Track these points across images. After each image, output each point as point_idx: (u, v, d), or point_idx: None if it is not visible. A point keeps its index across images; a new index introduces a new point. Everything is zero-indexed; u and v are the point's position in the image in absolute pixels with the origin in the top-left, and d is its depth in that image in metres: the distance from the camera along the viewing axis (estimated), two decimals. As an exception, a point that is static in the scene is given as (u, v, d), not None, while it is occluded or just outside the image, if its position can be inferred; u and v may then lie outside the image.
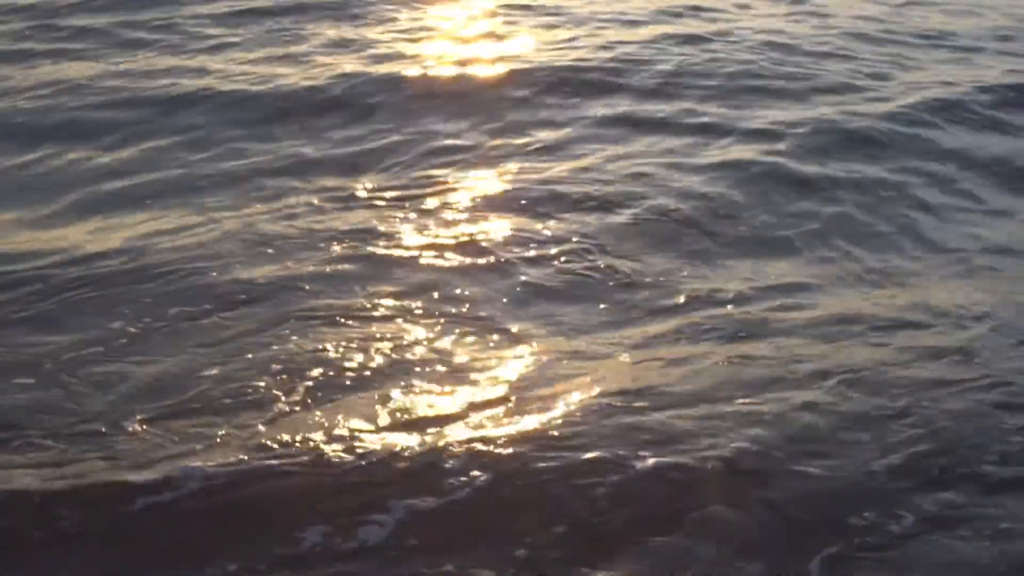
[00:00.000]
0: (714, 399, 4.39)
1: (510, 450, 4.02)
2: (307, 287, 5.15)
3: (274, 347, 4.63)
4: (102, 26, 9.71)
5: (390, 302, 5.04)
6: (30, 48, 9.16)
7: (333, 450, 3.99)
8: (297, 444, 4.02)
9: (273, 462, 3.92)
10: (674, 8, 10.89)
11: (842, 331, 4.92)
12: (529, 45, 9.48)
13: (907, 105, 7.97)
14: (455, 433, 4.10)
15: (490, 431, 4.12)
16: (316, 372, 4.47)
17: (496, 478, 3.88)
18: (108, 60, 8.79)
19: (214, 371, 4.47)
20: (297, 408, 4.25)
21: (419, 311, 4.99)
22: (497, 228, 5.91)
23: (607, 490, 3.85)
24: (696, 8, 10.90)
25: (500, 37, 9.80)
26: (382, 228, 5.82)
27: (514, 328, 4.87)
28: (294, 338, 4.72)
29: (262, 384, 4.38)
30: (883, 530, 3.73)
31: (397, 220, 5.95)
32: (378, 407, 4.24)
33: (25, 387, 4.37)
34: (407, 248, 5.62)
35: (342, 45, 9.46)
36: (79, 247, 5.57)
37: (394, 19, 10.32)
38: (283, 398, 4.31)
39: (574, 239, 5.78)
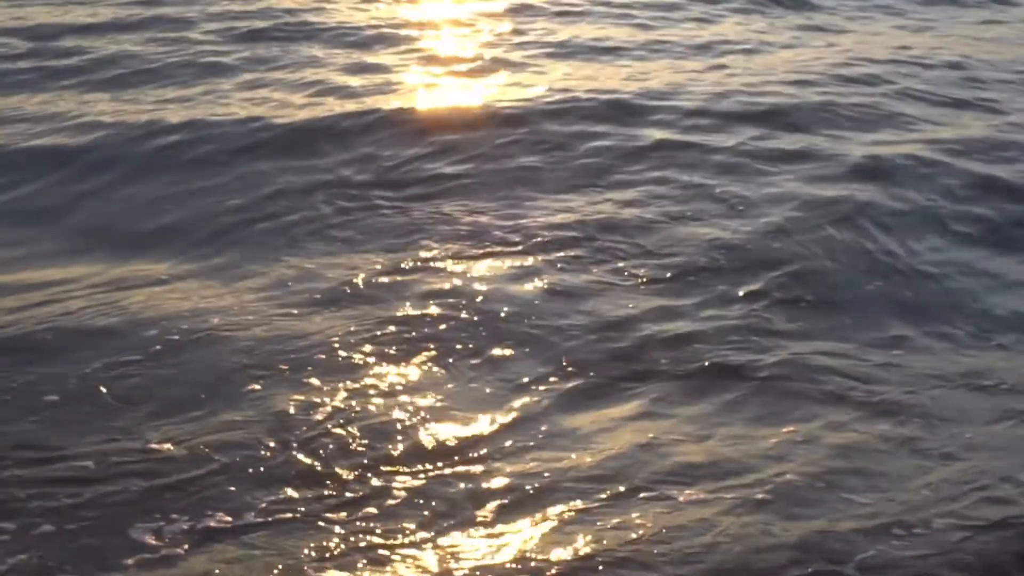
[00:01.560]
0: (754, 431, 4.52)
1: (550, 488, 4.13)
2: (325, 328, 5.21)
3: (288, 392, 4.68)
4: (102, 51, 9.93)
5: (417, 345, 5.06)
6: (33, 74, 9.34)
7: (354, 486, 4.11)
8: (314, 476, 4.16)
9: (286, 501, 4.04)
10: (702, 40, 11.07)
11: (886, 373, 5.00)
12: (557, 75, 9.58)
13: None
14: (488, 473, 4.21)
15: (522, 471, 4.22)
16: (338, 405, 4.58)
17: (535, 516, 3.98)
18: (110, 89, 8.95)
19: (235, 395, 4.63)
20: (313, 444, 4.35)
21: (449, 351, 5.03)
22: (543, 267, 5.92)
23: (650, 519, 3.96)
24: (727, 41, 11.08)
25: (521, 66, 9.87)
26: (407, 264, 5.88)
27: (554, 375, 4.89)
28: (313, 377, 4.81)
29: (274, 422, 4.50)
30: (916, 541, 3.88)
31: (424, 254, 6.03)
32: (413, 451, 4.32)
33: (52, 404, 4.56)
34: (433, 287, 5.63)
35: (362, 72, 9.63)
36: (96, 274, 5.76)
37: (402, 49, 10.49)
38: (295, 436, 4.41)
39: (605, 277, 5.82)
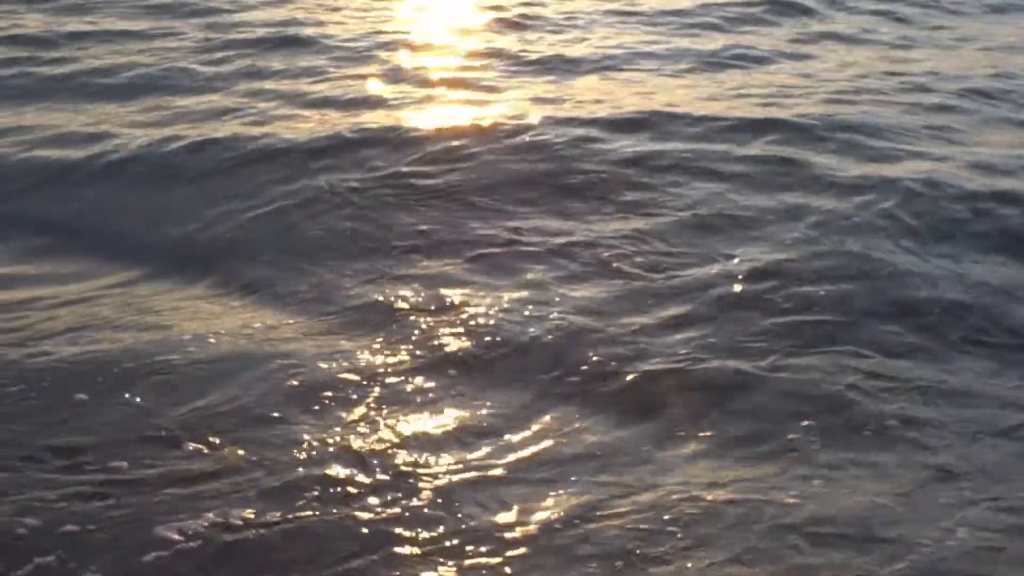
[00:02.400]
0: (771, 447, 4.57)
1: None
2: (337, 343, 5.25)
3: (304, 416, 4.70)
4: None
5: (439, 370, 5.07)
6: (33, 80, 9.46)
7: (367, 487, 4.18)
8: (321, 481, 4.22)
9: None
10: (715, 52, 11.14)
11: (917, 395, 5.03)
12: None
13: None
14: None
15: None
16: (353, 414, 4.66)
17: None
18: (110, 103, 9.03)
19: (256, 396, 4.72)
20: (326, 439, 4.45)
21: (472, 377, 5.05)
22: (557, 278, 5.95)
23: (677, 527, 4.01)
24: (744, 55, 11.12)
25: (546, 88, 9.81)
26: (422, 275, 5.95)
27: (570, 388, 4.93)
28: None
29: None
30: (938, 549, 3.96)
31: (435, 264, 6.10)
32: (434, 460, 4.37)
33: (80, 403, 4.65)
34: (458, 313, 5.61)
35: (369, 83, 9.69)
36: (114, 278, 5.90)
37: (410, 59, 10.56)
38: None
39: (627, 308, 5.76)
